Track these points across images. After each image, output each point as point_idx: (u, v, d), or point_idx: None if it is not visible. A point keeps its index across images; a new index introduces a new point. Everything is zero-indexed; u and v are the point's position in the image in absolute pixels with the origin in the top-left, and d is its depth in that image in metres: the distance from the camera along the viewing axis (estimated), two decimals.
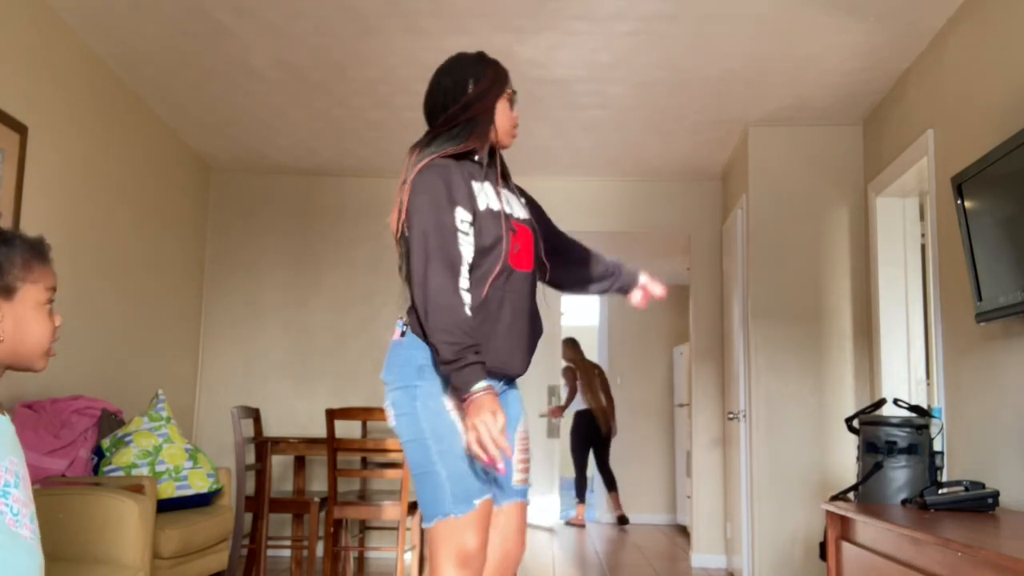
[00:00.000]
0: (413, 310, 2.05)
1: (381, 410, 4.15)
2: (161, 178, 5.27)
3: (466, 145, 2.12)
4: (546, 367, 7.51)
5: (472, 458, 1.95)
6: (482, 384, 1.88)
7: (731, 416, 5.34)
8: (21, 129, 3.68)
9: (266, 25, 3.96)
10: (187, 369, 5.82)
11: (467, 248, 2.02)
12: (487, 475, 2.00)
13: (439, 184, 2.03)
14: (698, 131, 5.20)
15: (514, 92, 2.23)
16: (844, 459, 4.74)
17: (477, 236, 2.04)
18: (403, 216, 2.06)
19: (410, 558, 5.46)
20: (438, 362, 1.94)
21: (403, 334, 2.07)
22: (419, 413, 1.98)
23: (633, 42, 4.04)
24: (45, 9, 3.83)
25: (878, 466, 2.84)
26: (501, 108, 2.19)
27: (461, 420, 1.97)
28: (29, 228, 3.80)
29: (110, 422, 3.80)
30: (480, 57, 2.21)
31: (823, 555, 2.87)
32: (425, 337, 2.00)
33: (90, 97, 4.30)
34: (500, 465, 1.85)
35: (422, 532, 4.75)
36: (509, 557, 2.14)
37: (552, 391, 7.43)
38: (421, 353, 2.01)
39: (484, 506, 1.98)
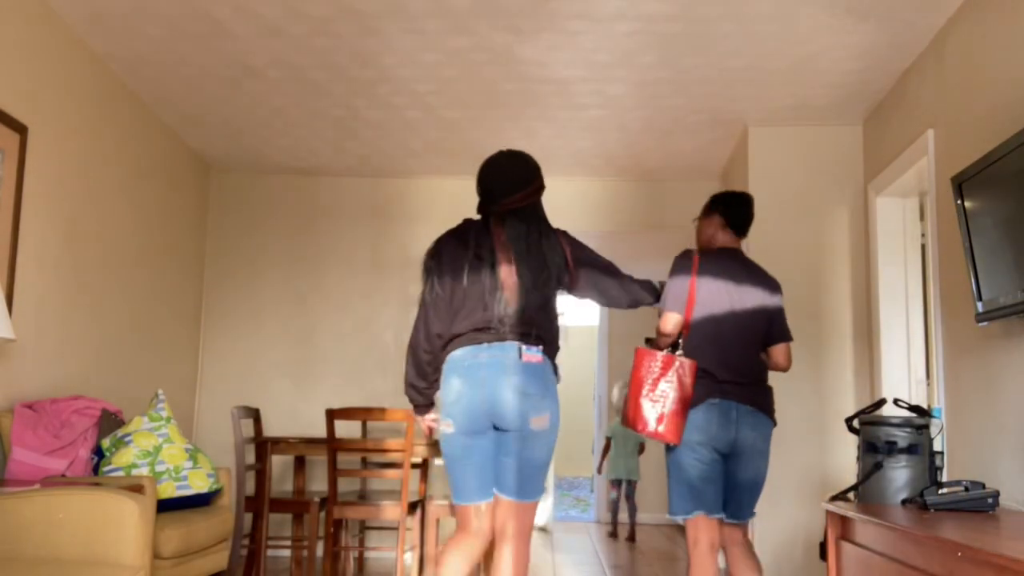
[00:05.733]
0: (548, 339, 2.77)
1: (381, 410, 4.16)
2: (161, 178, 5.27)
3: None
4: None
5: None
6: None
7: None
8: (21, 129, 3.68)
9: (266, 25, 3.96)
10: (187, 369, 5.82)
11: None
12: None
13: None
14: (698, 131, 5.20)
15: None
16: (844, 459, 4.74)
17: None
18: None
19: (410, 558, 5.45)
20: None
21: (543, 359, 2.75)
22: (558, 420, 2.76)
23: (633, 42, 4.04)
24: (45, 9, 3.83)
25: (878, 466, 2.84)
26: None
27: None
28: (29, 228, 3.80)
29: (110, 422, 3.80)
30: None
31: (823, 555, 2.87)
32: (553, 361, 2.80)
33: (90, 97, 4.30)
34: None
35: (422, 532, 4.75)
36: None
37: None
38: (554, 375, 2.78)
39: None
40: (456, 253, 2.80)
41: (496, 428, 2.72)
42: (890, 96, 4.48)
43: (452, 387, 2.70)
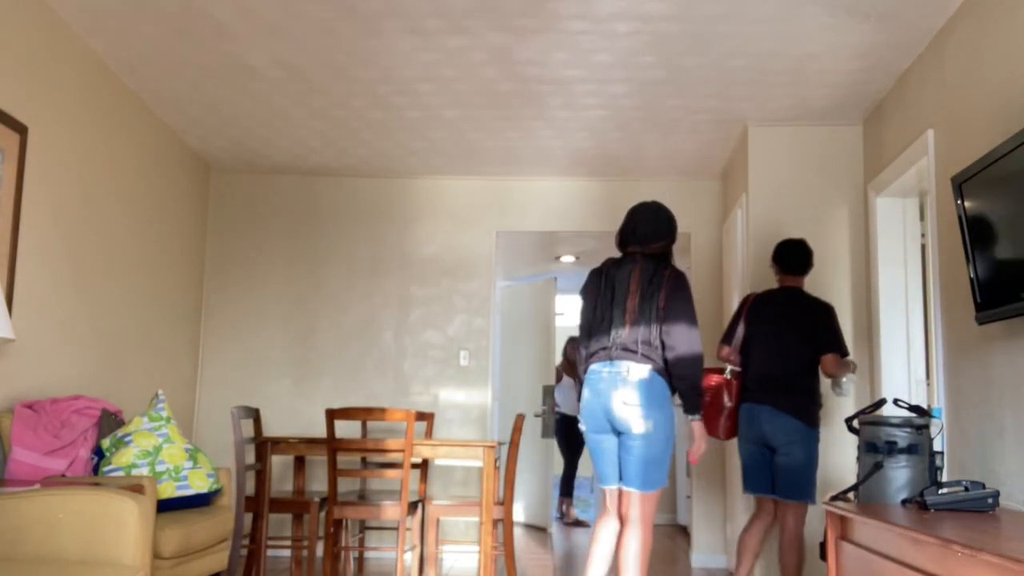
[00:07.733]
0: (658, 360, 3.36)
1: (381, 410, 4.16)
2: (161, 178, 5.27)
3: None
4: (541, 368, 7.49)
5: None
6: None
7: None
8: (21, 129, 3.68)
9: (266, 25, 3.96)
10: (187, 369, 5.82)
11: None
12: None
13: None
14: (698, 131, 5.20)
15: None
16: (844, 459, 4.74)
17: None
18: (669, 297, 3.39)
19: (410, 558, 5.46)
20: (692, 400, 3.38)
21: (649, 377, 3.34)
22: (669, 425, 3.35)
23: (633, 42, 4.04)
24: (45, 9, 3.83)
25: (878, 466, 2.84)
26: None
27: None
28: (29, 228, 3.80)
29: (110, 422, 3.80)
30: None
31: (823, 555, 2.88)
32: (668, 379, 3.37)
33: (90, 97, 4.30)
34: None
35: (422, 532, 4.75)
36: None
37: (547, 391, 7.42)
38: (667, 389, 3.37)
39: None
40: (595, 286, 3.52)
41: (616, 431, 3.39)
42: (890, 96, 4.48)
43: (584, 395, 3.46)
